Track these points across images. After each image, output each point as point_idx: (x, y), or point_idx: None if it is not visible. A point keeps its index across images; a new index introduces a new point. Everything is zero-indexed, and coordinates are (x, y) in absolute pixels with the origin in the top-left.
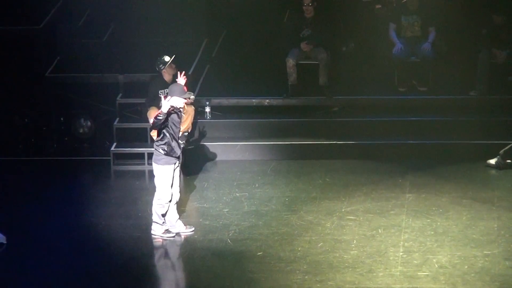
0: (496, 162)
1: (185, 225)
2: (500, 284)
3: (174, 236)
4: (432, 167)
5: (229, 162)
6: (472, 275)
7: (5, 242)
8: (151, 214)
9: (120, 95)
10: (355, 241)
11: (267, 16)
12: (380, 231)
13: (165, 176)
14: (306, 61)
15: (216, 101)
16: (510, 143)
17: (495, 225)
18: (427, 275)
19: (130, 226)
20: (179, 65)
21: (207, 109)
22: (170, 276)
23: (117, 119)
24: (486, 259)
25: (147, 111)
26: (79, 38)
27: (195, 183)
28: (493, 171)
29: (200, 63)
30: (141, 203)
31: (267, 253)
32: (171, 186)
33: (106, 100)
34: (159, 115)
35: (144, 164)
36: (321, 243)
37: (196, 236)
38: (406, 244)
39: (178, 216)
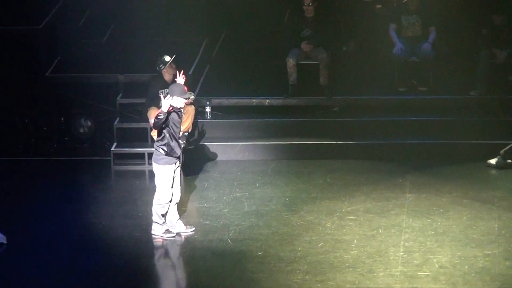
0: (496, 162)
1: (185, 225)
2: (500, 284)
3: (174, 236)
4: (432, 167)
5: (229, 162)
6: (473, 275)
7: (5, 242)
8: (151, 214)
9: (120, 95)
10: (355, 241)
11: (267, 16)
12: (380, 231)
13: (166, 176)
14: (306, 61)
15: (216, 101)
16: (510, 143)
17: (496, 225)
18: (428, 275)
19: (130, 226)
20: (179, 65)
21: (207, 109)
22: (170, 276)
23: (117, 119)
24: (487, 259)
25: (147, 111)
26: (79, 38)
27: (195, 183)
28: (494, 171)
29: (200, 63)
30: (141, 203)
31: (268, 253)
32: (171, 186)
33: (106, 100)
34: (160, 114)
35: (144, 164)
36: (322, 243)
37: (196, 236)
38: (406, 244)
39: (178, 216)
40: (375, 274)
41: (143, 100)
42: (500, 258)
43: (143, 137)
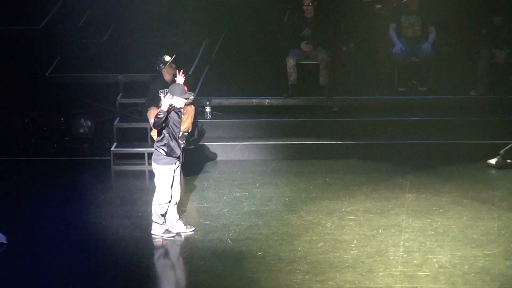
0: (496, 162)
1: (185, 225)
2: (500, 284)
3: (174, 236)
4: (432, 167)
5: (229, 162)
6: (472, 275)
7: (5, 242)
8: (151, 214)
9: (120, 95)
10: (355, 241)
11: (267, 16)
12: (380, 231)
13: (165, 176)
14: (306, 61)
15: (216, 101)
16: (510, 143)
17: (496, 225)
18: (427, 275)
19: (130, 226)
20: (179, 65)
21: (207, 109)
22: (170, 276)
23: (117, 119)
24: (487, 259)
25: (147, 111)
26: (79, 38)
27: (195, 183)
28: (494, 171)
29: (200, 63)
30: (141, 203)
31: (267, 253)
32: (171, 186)
33: (106, 100)
34: (159, 113)
35: (144, 164)
36: (321, 243)
37: (196, 236)
38: (406, 244)
39: (178, 216)
40: (375, 274)
41: (143, 100)
42: (500, 258)
43: (143, 137)
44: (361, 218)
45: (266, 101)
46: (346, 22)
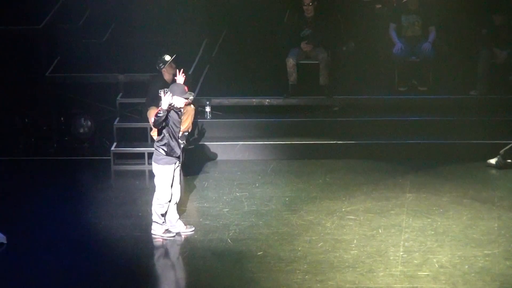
0: (496, 161)
1: (185, 224)
2: (500, 283)
3: (174, 236)
4: (432, 167)
5: (229, 162)
6: (473, 274)
7: (5, 242)
8: (151, 214)
9: (120, 94)
10: (355, 241)
11: (267, 16)
12: (380, 231)
13: (165, 176)
14: (306, 60)
15: (216, 100)
16: (510, 143)
17: (496, 225)
18: (428, 274)
19: (130, 226)
20: (179, 65)
21: (208, 109)
22: (170, 276)
23: (117, 118)
24: (487, 258)
25: (147, 110)
26: (79, 38)
27: (195, 183)
28: (494, 171)
29: (200, 63)
30: (141, 203)
31: (267, 252)
32: (171, 186)
33: (106, 100)
34: (159, 112)
35: (144, 164)
36: (321, 243)
37: (196, 236)
38: (406, 244)
39: (178, 216)
40: (375, 274)
41: (143, 100)
42: (500, 258)
43: (143, 137)
44: (361, 218)
45: (266, 101)
46: (346, 22)
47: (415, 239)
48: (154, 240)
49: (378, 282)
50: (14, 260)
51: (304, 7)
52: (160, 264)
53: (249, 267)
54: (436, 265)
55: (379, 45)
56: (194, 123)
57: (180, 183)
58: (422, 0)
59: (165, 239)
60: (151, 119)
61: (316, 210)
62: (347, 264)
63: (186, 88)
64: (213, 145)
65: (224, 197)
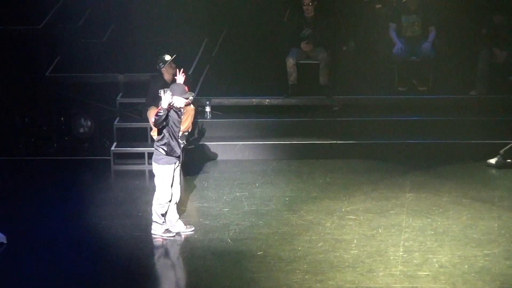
0: (496, 161)
1: (185, 224)
2: (500, 283)
3: (174, 236)
4: (432, 166)
5: (229, 161)
6: (473, 274)
7: (5, 242)
8: (151, 214)
9: (120, 94)
10: (355, 241)
11: (267, 16)
12: (380, 231)
13: (165, 175)
14: (306, 60)
15: (216, 100)
16: (510, 143)
17: (496, 225)
18: (427, 274)
19: (130, 226)
20: (179, 65)
21: (207, 109)
22: (170, 275)
23: (117, 118)
24: (487, 258)
25: (147, 110)
26: (79, 38)
27: (195, 182)
28: (494, 171)
29: (200, 62)
30: (141, 203)
31: (267, 252)
32: (171, 186)
33: (106, 100)
34: (160, 111)
35: (144, 164)
36: (321, 243)
37: (196, 236)
38: (406, 243)
39: (178, 216)
40: (375, 273)
41: (143, 100)
42: (500, 257)
43: (143, 137)
44: (361, 218)
45: (266, 101)
46: (346, 22)
47: (415, 239)
48: (154, 240)
49: (378, 282)
50: (14, 260)
51: (304, 7)
52: (160, 264)
53: (249, 267)
54: (436, 265)
55: (379, 45)
56: (194, 123)
57: (180, 183)
58: (422, 0)
59: (165, 239)
60: (151, 119)
61: (316, 210)
62: (347, 264)
63: (186, 88)
64: (213, 145)
65: (224, 197)
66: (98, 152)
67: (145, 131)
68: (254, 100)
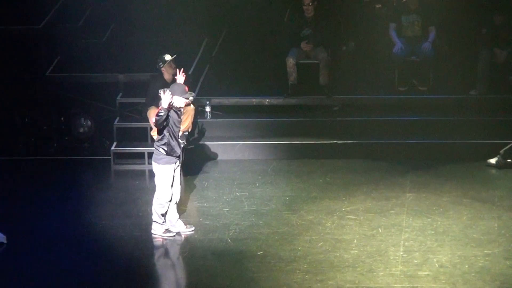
0: (496, 161)
1: (185, 224)
2: (500, 283)
3: (174, 236)
4: (433, 166)
5: (229, 161)
6: (473, 274)
7: (5, 241)
8: (151, 214)
9: (120, 94)
10: (355, 241)
11: (267, 16)
12: (380, 231)
13: (166, 175)
14: (306, 60)
15: (216, 100)
16: (510, 143)
17: (496, 225)
18: (428, 274)
19: (130, 226)
20: (179, 65)
21: (207, 109)
22: (170, 275)
23: (117, 118)
24: (487, 258)
25: (147, 110)
26: (79, 38)
27: (195, 182)
28: (494, 171)
29: (200, 62)
30: (141, 203)
31: (267, 252)
32: (171, 185)
33: (106, 100)
34: (160, 111)
35: (144, 163)
36: (322, 243)
37: (196, 236)
38: (406, 243)
39: (178, 216)
40: (375, 273)
41: (143, 100)
42: (500, 257)
43: (143, 137)
44: (361, 218)
45: (266, 101)
46: (346, 22)
47: (415, 238)
48: (154, 240)
49: (378, 282)
50: (14, 260)
51: (304, 7)
52: (160, 264)
53: (249, 267)
54: (436, 264)
55: (379, 45)
56: (194, 123)
57: (180, 183)
58: (422, 0)
59: (165, 239)
60: (152, 119)
61: (316, 210)
62: (347, 263)
63: (186, 88)
64: (213, 145)
65: (224, 197)
66: (98, 152)
67: (145, 131)
68: (254, 100)
